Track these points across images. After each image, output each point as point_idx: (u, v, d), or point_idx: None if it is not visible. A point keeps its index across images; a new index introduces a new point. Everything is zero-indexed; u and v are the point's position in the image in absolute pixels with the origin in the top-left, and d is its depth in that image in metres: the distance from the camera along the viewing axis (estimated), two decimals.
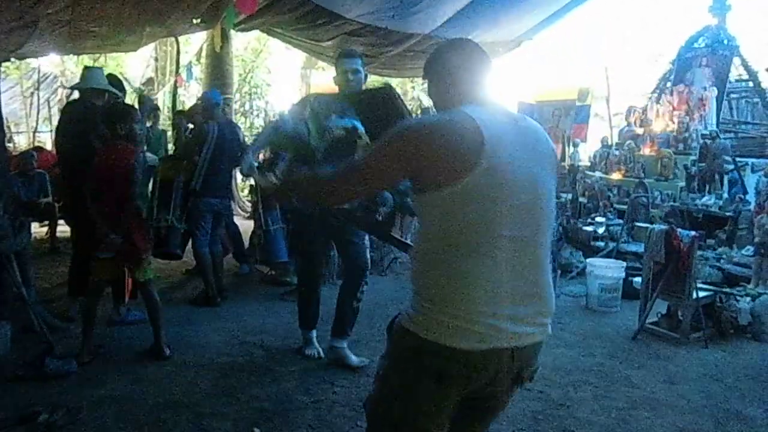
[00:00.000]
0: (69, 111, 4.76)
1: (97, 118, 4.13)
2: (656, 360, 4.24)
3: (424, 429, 1.67)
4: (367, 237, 3.85)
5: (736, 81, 11.39)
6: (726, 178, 8.32)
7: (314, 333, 4.06)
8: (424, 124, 1.65)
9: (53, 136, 13.55)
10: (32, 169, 6.97)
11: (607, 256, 6.55)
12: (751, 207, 7.12)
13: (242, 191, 11.72)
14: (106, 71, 5.12)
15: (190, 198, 5.10)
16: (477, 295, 1.56)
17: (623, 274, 5.55)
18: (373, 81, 14.82)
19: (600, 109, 14.26)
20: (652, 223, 6.90)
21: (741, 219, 7.15)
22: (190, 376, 3.66)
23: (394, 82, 15.73)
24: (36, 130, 14.93)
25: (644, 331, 4.74)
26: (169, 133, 8.11)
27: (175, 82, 8.94)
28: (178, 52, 8.63)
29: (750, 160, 8.76)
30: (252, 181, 6.92)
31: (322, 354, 3.98)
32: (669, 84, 10.70)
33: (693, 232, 4.78)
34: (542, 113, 11.53)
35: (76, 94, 5.06)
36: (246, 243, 6.50)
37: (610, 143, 10.57)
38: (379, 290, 5.73)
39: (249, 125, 13.84)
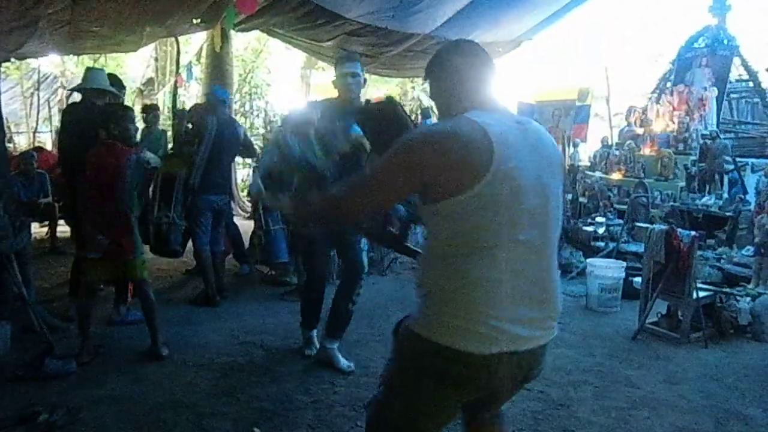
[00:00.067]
0: (70, 112, 4.77)
1: (97, 118, 4.13)
2: (656, 360, 4.24)
3: (423, 429, 1.67)
4: (364, 240, 3.86)
5: (736, 81, 11.41)
6: (726, 178, 8.33)
7: (315, 332, 4.06)
8: (431, 135, 1.64)
9: (53, 137, 13.60)
10: (32, 170, 6.97)
11: (607, 256, 6.55)
12: (751, 207, 7.12)
13: (242, 191, 11.73)
14: (106, 71, 5.12)
15: (189, 195, 5.10)
16: (488, 300, 1.56)
17: (623, 274, 5.54)
18: (374, 81, 14.84)
19: (600, 109, 14.26)
20: (652, 223, 6.90)
21: (741, 219, 7.15)
22: (190, 376, 3.66)
23: (394, 82, 15.75)
24: (36, 131, 14.94)
25: (644, 331, 4.74)
26: (169, 133, 8.11)
27: (175, 82, 8.94)
28: (178, 52, 8.63)
29: (750, 160, 8.78)
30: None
31: None
32: (669, 84, 10.71)
33: (693, 232, 4.77)
34: (542, 113, 11.52)
35: (76, 96, 5.06)
36: (246, 243, 6.50)
37: (610, 143, 10.58)
38: (379, 290, 5.74)
39: (249, 125, 13.82)
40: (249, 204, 9.54)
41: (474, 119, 1.59)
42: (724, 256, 6.60)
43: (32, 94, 15.08)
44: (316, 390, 3.51)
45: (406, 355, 1.70)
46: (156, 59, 14.15)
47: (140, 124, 9.03)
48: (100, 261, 3.79)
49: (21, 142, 14.65)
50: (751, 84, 11.09)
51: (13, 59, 7.60)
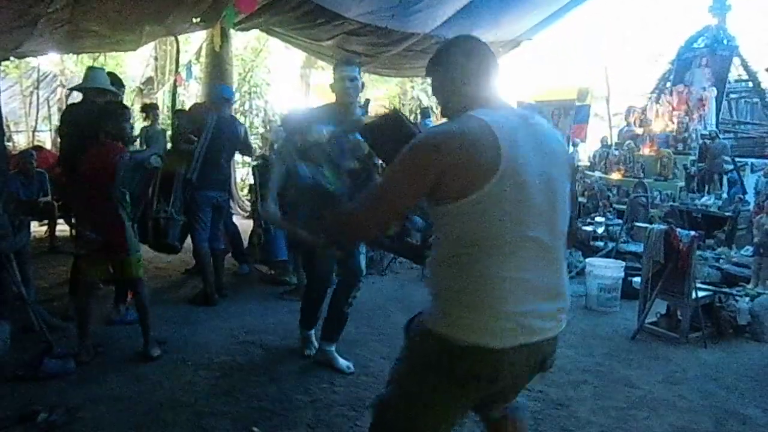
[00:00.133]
0: (70, 112, 4.76)
1: (97, 118, 4.13)
2: (655, 360, 4.24)
3: (436, 428, 1.68)
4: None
5: (736, 81, 11.42)
6: (725, 178, 8.35)
7: (313, 332, 4.06)
8: (438, 136, 1.63)
9: (53, 136, 13.60)
10: (32, 169, 6.96)
11: (607, 256, 6.55)
12: (751, 207, 7.14)
13: (241, 190, 11.71)
14: (106, 70, 5.12)
15: (188, 190, 5.09)
16: (505, 296, 1.57)
17: (622, 274, 5.54)
18: (373, 80, 14.84)
19: (600, 109, 14.26)
20: (651, 223, 6.90)
21: (740, 219, 7.16)
22: (189, 376, 3.66)
23: (394, 82, 15.75)
24: (35, 129, 14.94)
25: (643, 331, 4.74)
26: (169, 132, 8.11)
27: (175, 81, 8.92)
28: (178, 52, 8.61)
29: (749, 160, 8.79)
30: (251, 180, 6.92)
31: None
32: (668, 84, 10.71)
33: (692, 232, 4.77)
34: (542, 113, 11.47)
35: (75, 95, 5.06)
36: (245, 242, 6.49)
37: (609, 143, 10.59)
38: (378, 290, 5.74)
39: (249, 124, 13.82)
40: (248, 203, 9.53)
41: (480, 117, 1.58)
42: (723, 256, 6.61)
43: (31, 92, 15.08)
44: (315, 389, 3.51)
45: (422, 352, 1.69)
46: (155, 58, 14.14)
47: (140, 123, 9.07)
48: (95, 259, 3.79)
49: (20, 141, 14.65)
50: (750, 84, 11.09)
51: (12, 58, 7.61)
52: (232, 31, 7.63)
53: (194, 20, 5.59)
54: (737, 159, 8.58)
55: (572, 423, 3.21)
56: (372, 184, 1.86)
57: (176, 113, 7.48)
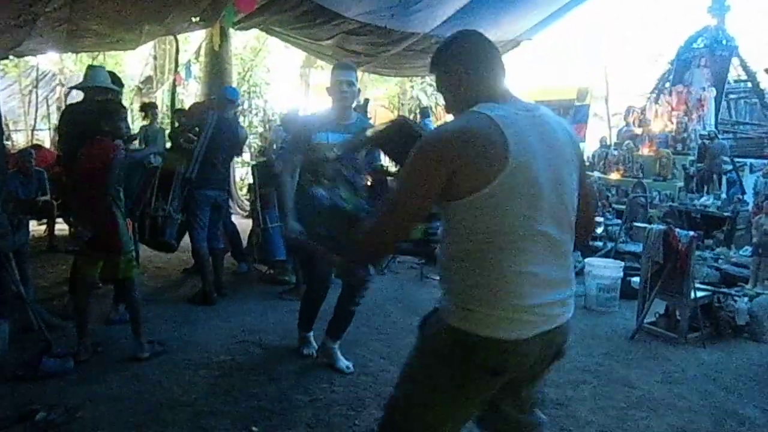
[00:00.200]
0: (71, 111, 4.76)
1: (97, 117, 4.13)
2: (654, 360, 4.24)
3: (462, 420, 1.71)
4: None
5: (735, 81, 11.41)
6: (724, 179, 8.35)
7: (312, 333, 4.06)
8: (444, 135, 1.62)
9: (52, 134, 13.58)
10: (31, 167, 6.95)
11: (606, 255, 6.56)
12: (749, 207, 7.14)
13: (240, 190, 11.71)
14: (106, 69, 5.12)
15: (186, 188, 5.09)
16: (518, 289, 1.59)
17: (621, 274, 5.55)
18: (373, 80, 14.83)
19: (599, 109, 14.28)
20: (650, 223, 6.90)
21: (739, 219, 7.17)
22: (189, 375, 3.66)
23: (393, 81, 15.75)
24: (34, 128, 14.92)
25: (642, 331, 4.74)
26: (167, 131, 8.10)
27: (174, 80, 8.93)
28: (177, 51, 8.61)
29: (748, 161, 8.79)
30: (251, 179, 6.92)
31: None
32: (668, 84, 10.70)
33: (691, 233, 4.78)
34: None
35: (75, 95, 5.06)
36: (244, 242, 6.49)
37: (608, 143, 10.59)
38: (378, 289, 5.72)
39: (248, 124, 13.82)
40: (247, 202, 9.53)
41: (485, 113, 1.59)
42: (722, 257, 6.62)
43: (30, 91, 15.06)
44: (315, 389, 3.51)
45: (438, 346, 1.69)
46: (155, 57, 14.14)
47: (139, 122, 9.07)
48: (90, 257, 3.78)
49: (19, 140, 14.62)
50: (749, 84, 11.08)
51: (11, 56, 7.60)
52: (231, 30, 7.64)
53: (194, 19, 5.59)
54: (736, 159, 8.58)
55: (571, 423, 3.21)
56: (386, 195, 1.83)
57: (175, 112, 7.48)
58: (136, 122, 11.29)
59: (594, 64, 18.44)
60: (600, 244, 7.21)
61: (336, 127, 3.59)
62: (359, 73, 3.98)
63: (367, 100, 8.02)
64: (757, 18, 19.76)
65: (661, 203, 8.28)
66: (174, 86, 9.14)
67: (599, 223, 7.77)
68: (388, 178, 3.00)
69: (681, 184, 8.50)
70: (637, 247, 6.34)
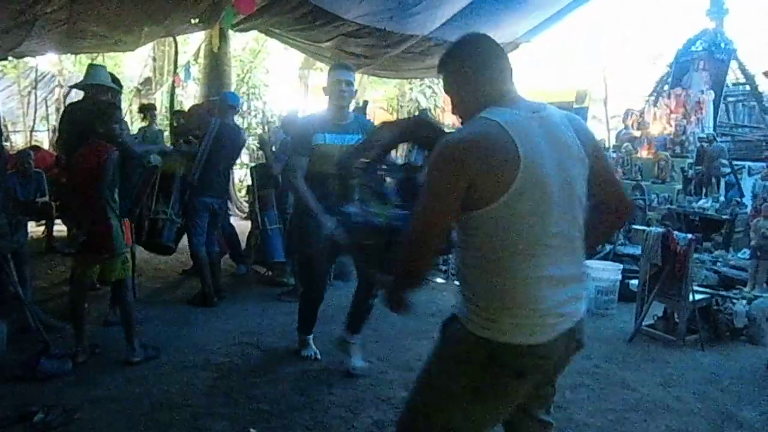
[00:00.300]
0: (71, 111, 4.76)
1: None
2: (652, 362, 4.25)
3: (484, 426, 1.73)
4: None
5: (733, 84, 11.42)
6: (723, 181, 8.35)
7: (311, 336, 4.05)
8: (457, 147, 1.62)
9: (50, 136, 13.57)
10: (29, 169, 6.94)
11: (604, 258, 6.55)
12: (748, 210, 7.15)
13: (239, 191, 11.71)
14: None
15: (187, 192, 5.09)
16: (537, 294, 1.61)
17: (620, 277, 5.55)
18: (372, 82, 14.83)
19: (598, 111, 14.31)
20: (648, 225, 6.91)
21: (737, 222, 7.17)
22: (187, 376, 3.65)
23: (392, 84, 15.75)
24: (33, 129, 14.91)
25: (640, 334, 4.75)
26: (166, 133, 8.11)
27: (173, 82, 8.93)
28: (176, 52, 8.62)
29: (747, 164, 8.79)
30: (249, 181, 6.93)
31: (318, 356, 3.97)
32: (666, 87, 10.72)
33: (690, 235, 4.79)
34: None
35: (75, 94, 5.06)
36: (243, 243, 6.49)
37: (607, 146, 10.59)
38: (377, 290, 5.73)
39: (247, 126, 13.82)
40: (246, 204, 9.53)
41: (494, 120, 1.60)
42: (720, 259, 6.62)
43: (29, 92, 15.05)
44: (313, 391, 3.50)
45: (459, 353, 1.70)
46: (154, 59, 14.12)
47: (138, 124, 9.06)
48: (85, 259, 3.78)
49: (18, 141, 14.62)
50: (748, 87, 11.10)
51: (10, 57, 7.59)
52: (230, 32, 7.65)
53: (193, 21, 5.59)
54: (734, 162, 8.59)
55: (569, 425, 3.22)
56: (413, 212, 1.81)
57: (174, 114, 7.48)
58: (135, 124, 11.29)
59: (593, 66, 18.43)
60: (598, 246, 7.21)
61: (334, 127, 3.60)
62: (358, 75, 3.97)
63: (366, 102, 8.02)
64: (755, 19, 19.78)
65: (660, 206, 8.28)
66: (173, 88, 9.14)
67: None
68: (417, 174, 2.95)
69: (679, 186, 8.50)
70: (635, 250, 6.34)
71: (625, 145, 9.64)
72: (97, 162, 3.67)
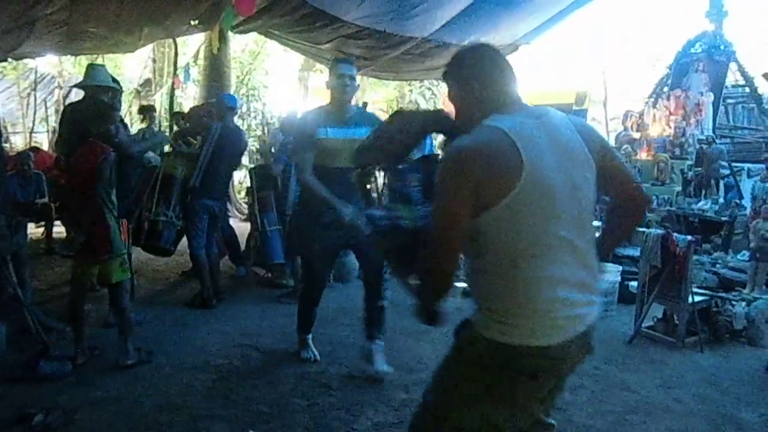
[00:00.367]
0: (71, 111, 4.75)
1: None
2: (652, 364, 4.25)
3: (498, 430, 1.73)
4: None
5: (733, 86, 11.45)
6: (722, 183, 8.36)
7: (311, 336, 4.05)
8: (461, 155, 1.64)
9: (50, 137, 13.56)
10: (29, 170, 6.94)
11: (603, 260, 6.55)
12: (747, 212, 7.15)
13: (239, 193, 11.70)
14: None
15: (188, 196, 5.10)
16: (547, 297, 1.61)
17: (619, 278, 5.55)
18: (372, 83, 14.84)
19: (597, 113, 14.30)
20: (648, 227, 6.90)
21: (737, 224, 7.18)
22: (186, 378, 3.65)
23: (392, 85, 15.76)
24: (33, 131, 14.91)
25: (640, 335, 4.74)
26: (166, 134, 8.10)
27: (173, 83, 8.94)
28: (176, 54, 8.63)
29: (746, 165, 8.80)
30: (248, 183, 6.93)
31: (318, 357, 3.97)
32: (666, 89, 10.73)
33: (689, 237, 4.79)
34: None
35: (75, 94, 5.06)
36: (242, 245, 6.49)
37: None
38: None
39: (246, 127, 13.84)
40: (245, 206, 9.53)
41: (498, 127, 1.62)
42: (719, 261, 6.63)
43: (29, 94, 15.05)
44: (313, 393, 3.50)
45: (474, 357, 1.71)
46: (153, 60, 14.14)
47: (138, 125, 9.05)
48: (83, 259, 3.78)
49: (17, 143, 14.61)
50: (747, 89, 11.12)
51: (10, 59, 7.60)
52: (230, 33, 7.64)
53: (192, 22, 5.60)
54: (734, 164, 8.61)
55: (569, 427, 3.21)
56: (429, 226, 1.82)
57: (174, 115, 7.48)
58: (134, 125, 11.29)
59: (592, 67, 18.45)
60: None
61: (336, 121, 3.59)
62: (358, 77, 3.96)
63: (365, 104, 8.02)
64: (755, 21, 19.82)
65: (659, 207, 8.28)
66: (172, 89, 9.15)
67: (597, 227, 7.76)
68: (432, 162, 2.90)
69: (679, 188, 8.51)
70: (635, 252, 6.32)
71: (624, 146, 9.65)
72: (94, 163, 3.67)
